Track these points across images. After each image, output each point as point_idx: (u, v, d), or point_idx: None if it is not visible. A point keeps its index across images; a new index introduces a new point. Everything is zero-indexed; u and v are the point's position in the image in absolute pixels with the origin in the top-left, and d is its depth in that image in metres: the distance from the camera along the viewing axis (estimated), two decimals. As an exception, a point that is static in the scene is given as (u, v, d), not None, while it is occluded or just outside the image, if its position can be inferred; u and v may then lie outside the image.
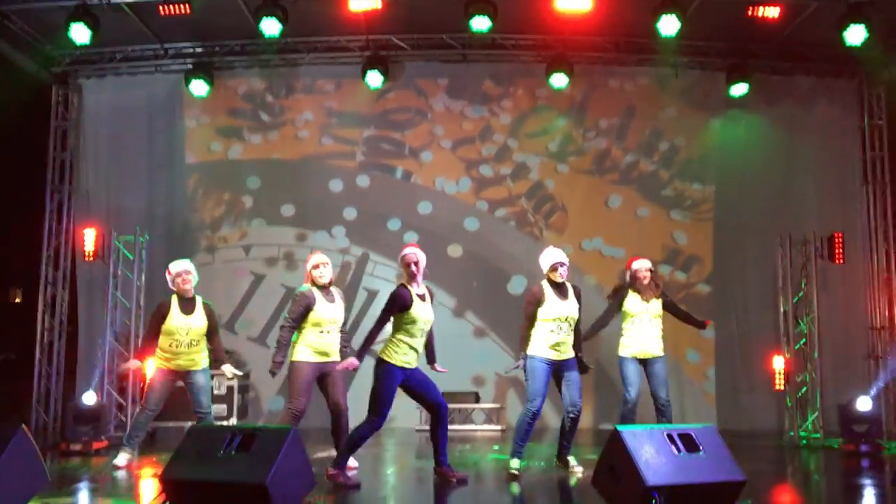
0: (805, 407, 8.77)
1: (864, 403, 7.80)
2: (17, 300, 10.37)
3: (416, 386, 5.74)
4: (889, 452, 7.54)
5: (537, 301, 6.02)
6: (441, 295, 9.60)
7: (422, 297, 5.70)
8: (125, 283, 9.09)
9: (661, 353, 6.66)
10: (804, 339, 8.90)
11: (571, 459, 6.23)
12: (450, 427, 7.86)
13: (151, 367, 6.76)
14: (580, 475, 6.01)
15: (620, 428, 4.58)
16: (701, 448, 4.58)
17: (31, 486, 4.52)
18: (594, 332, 6.73)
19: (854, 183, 10.37)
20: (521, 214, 10.58)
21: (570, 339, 6.07)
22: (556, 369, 6.02)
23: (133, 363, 6.67)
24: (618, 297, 6.75)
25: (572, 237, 10.44)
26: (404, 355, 5.64)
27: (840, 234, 8.99)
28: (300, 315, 6.04)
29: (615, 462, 4.50)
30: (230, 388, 9.00)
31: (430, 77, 10.74)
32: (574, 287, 6.18)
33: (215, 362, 6.68)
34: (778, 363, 8.87)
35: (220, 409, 8.64)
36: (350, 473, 5.95)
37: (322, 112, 10.76)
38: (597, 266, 10.38)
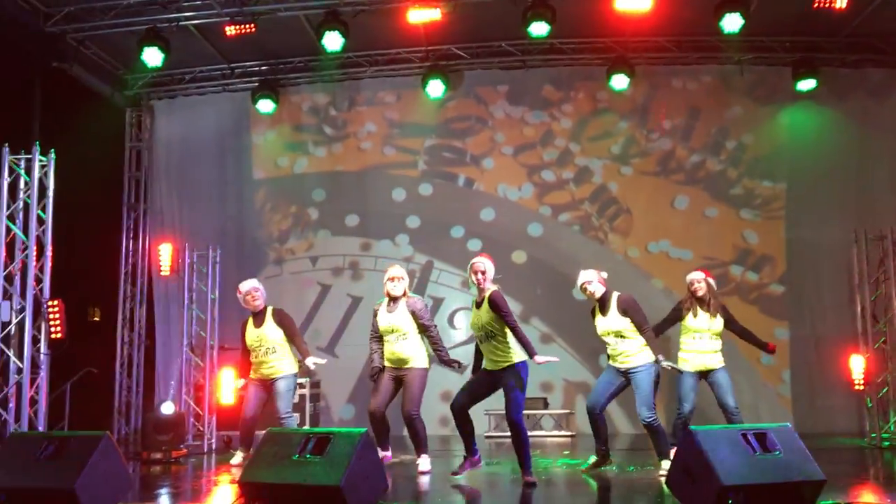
0: (887, 408, 8.47)
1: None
2: (97, 318, 10.74)
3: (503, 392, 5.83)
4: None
5: (593, 316, 6.35)
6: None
7: (478, 304, 5.87)
8: (199, 296, 9.36)
9: (721, 365, 6.48)
10: (883, 338, 8.60)
11: (663, 463, 6.05)
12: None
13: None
14: (661, 477, 5.93)
15: (694, 428, 4.52)
16: (777, 447, 4.49)
17: (116, 491, 4.71)
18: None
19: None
20: (585, 219, 10.52)
21: (628, 349, 6.10)
22: (625, 378, 6.18)
23: (239, 382, 7.00)
24: (676, 309, 6.64)
25: (638, 240, 10.33)
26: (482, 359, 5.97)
27: (918, 228, 8.66)
28: (373, 325, 6.63)
29: (690, 462, 4.44)
30: (301, 397, 9.18)
31: (490, 84, 10.79)
32: (620, 298, 6.16)
33: (301, 361, 6.86)
34: (857, 363, 8.59)
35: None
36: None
37: (384, 123, 10.91)
38: (664, 269, 10.24)
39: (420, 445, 6.49)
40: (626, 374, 6.14)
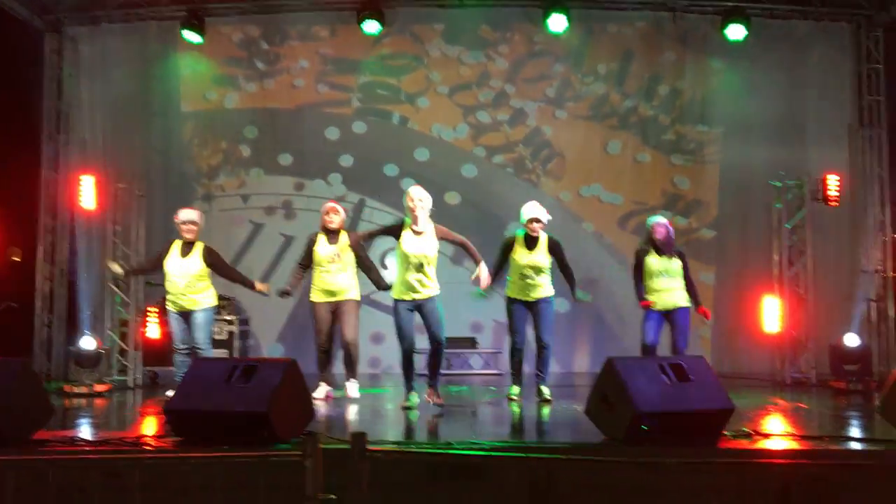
0: (797, 347, 8.90)
1: (851, 340, 7.94)
2: (17, 259, 10.38)
3: (424, 317, 6.23)
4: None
5: (508, 247, 6.81)
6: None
7: (418, 234, 6.10)
8: (124, 230, 9.14)
9: (686, 304, 6.98)
10: (797, 282, 8.98)
11: (544, 389, 6.75)
12: (449, 371, 8.37)
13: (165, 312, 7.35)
14: (551, 402, 6.67)
15: (613, 357, 4.68)
16: (691, 377, 4.69)
17: (38, 418, 4.64)
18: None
19: (851, 127, 10.31)
20: (519, 161, 10.58)
21: (542, 283, 6.72)
22: (529, 308, 6.76)
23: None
24: (638, 259, 7.04)
25: (570, 183, 10.46)
26: (401, 288, 6.16)
27: (836, 176, 8.98)
28: (305, 254, 6.91)
29: (608, 391, 4.61)
30: (231, 334, 9.15)
31: (426, 22, 10.63)
32: (551, 240, 6.79)
33: (249, 289, 7.24)
34: (770, 306, 8.96)
35: (220, 354, 8.75)
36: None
37: (317, 59, 10.68)
38: (595, 213, 10.44)
39: (354, 369, 6.87)
40: (532, 305, 6.68)
